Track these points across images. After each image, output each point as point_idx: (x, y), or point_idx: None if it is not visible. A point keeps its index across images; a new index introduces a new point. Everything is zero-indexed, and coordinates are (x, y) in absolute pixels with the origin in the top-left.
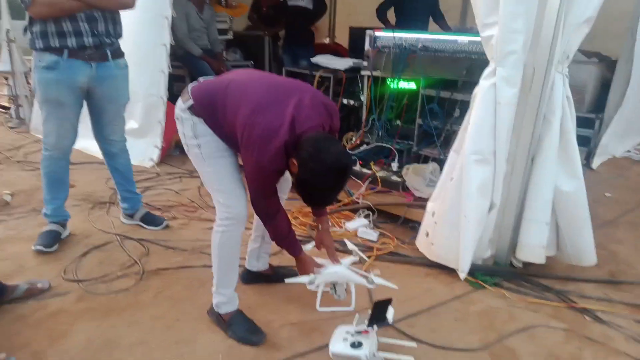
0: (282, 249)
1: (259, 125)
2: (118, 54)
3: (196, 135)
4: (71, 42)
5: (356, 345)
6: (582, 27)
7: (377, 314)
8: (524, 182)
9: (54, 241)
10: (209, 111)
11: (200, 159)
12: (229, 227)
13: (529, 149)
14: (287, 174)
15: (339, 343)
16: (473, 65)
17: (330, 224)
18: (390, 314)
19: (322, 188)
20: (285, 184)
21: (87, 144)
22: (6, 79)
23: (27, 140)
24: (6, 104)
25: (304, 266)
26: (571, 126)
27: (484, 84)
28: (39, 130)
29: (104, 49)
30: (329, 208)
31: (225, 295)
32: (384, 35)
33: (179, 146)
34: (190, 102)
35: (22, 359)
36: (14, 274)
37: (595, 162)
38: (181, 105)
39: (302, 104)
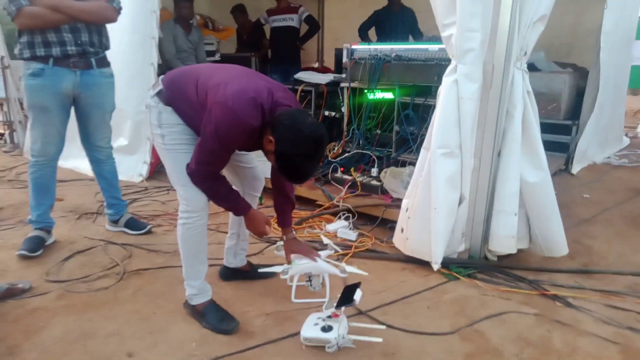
0: (227, 210)
1: (236, 84)
2: (103, 63)
3: (160, 125)
4: (56, 51)
5: (326, 329)
6: (536, 25)
7: (346, 296)
8: (491, 175)
9: (38, 246)
10: (178, 89)
11: (162, 150)
12: (189, 220)
13: (494, 142)
14: (248, 159)
15: (310, 328)
16: (443, 71)
17: (295, 233)
18: (357, 295)
19: (302, 158)
20: (257, 182)
21: (78, 163)
22: (1, 105)
23: (20, 162)
24: (0, 131)
25: (255, 222)
26: (533, 119)
27: (447, 80)
28: None
29: (89, 57)
30: (310, 212)
31: (195, 287)
32: (360, 47)
33: None
34: (159, 87)
35: None
36: None
37: (575, 168)
38: (151, 92)
39: (276, 86)
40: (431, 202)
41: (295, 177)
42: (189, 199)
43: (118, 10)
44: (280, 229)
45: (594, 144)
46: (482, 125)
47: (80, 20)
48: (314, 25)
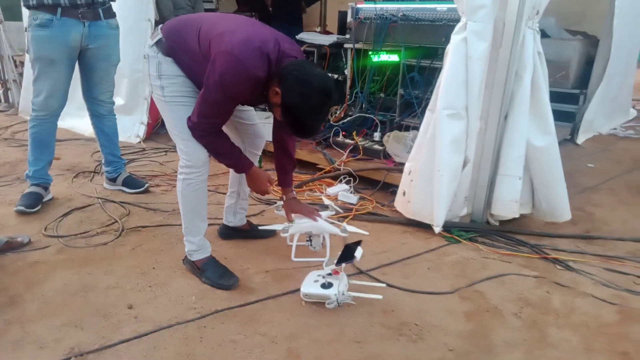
0: (228, 167)
1: (242, 33)
2: (110, 14)
3: (160, 76)
4: (64, 0)
5: (326, 285)
6: None
7: (346, 254)
8: (497, 138)
9: (35, 202)
10: (178, 39)
11: (162, 103)
12: (190, 175)
13: (501, 105)
14: (248, 115)
15: (310, 285)
16: (451, 32)
17: (295, 193)
18: (358, 252)
19: (310, 110)
20: (258, 140)
21: (74, 123)
22: None
23: (15, 122)
24: None
25: (257, 180)
26: (543, 82)
27: (455, 38)
28: (27, 112)
29: (96, 8)
30: (310, 175)
31: (194, 243)
32: (366, 6)
33: None
34: (159, 36)
35: (0, 302)
36: None
37: (580, 138)
38: (149, 42)
39: (282, 36)
40: (435, 164)
41: (301, 131)
42: (190, 154)
43: None
44: (280, 190)
45: (601, 115)
46: (490, 86)
47: None
48: None
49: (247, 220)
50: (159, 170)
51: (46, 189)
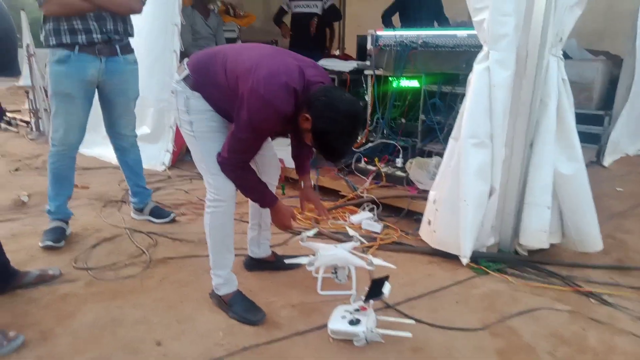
0: (254, 201)
1: (266, 67)
2: (127, 50)
3: (189, 111)
4: (81, 38)
5: (354, 322)
6: (574, 9)
7: (374, 290)
8: (523, 166)
9: (61, 237)
10: (206, 74)
11: (191, 137)
12: (218, 209)
13: (526, 132)
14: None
15: (337, 321)
16: (472, 58)
17: (312, 182)
18: (386, 288)
19: (340, 134)
20: (274, 170)
21: (101, 151)
22: (27, 92)
23: (45, 151)
24: (26, 119)
25: (280, 215)
26: (568, 109)
27: (478, 67)
28: None
29: (113, 44)
30: (333, 203)
31: (222, 277)
32: (385, 34)
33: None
34: (186, 72)
35: (31, 336)
36: (26, 262)
37: (607, 160)
38: (176, 77)
39: (306, 63)
40: (460, 194)
41: (332, 155)
42: (218, 188)
43: (143, 2)
44: (298, 177)
45: (627, 136)
46: (515, 114)
47: (106, 9)
48: (336, 15)
49: (272, 251)
50: (184, 198)
51: (67, 223)
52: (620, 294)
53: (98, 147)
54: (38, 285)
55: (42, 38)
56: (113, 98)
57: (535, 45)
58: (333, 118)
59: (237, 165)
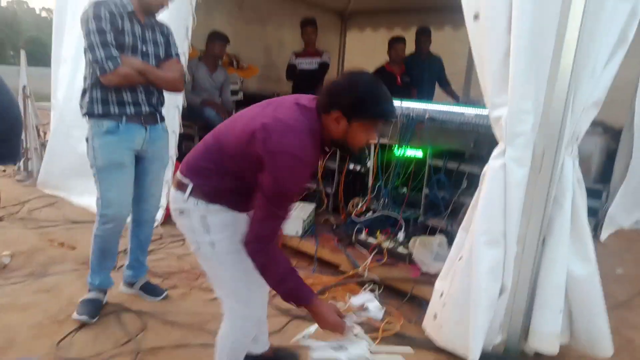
0: (283, 296)
1: (271, 123)
2: (163, 117)
3: (208, 230)
4: (130, 109)
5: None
6: (590, 109)
7: None
8: (535, 263)
9: (97, 311)
10: (209, 173)
11: (213, 261)
12: (243, 330)
13: (540, 230)
14: None
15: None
16: (480, 138)
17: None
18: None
19: (378, 99)
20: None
21: (93, 201)
22: None
23: (32, 195)
24: None
25: (324, 315)
26: (582, 208)
27: (494, 164)
28: (46, 185)
29: (156, 113)
30: (333, 277)
31: None
32: None
33: None
34: (188, 185)
35: None
36: (3, 349)
37: (603, 235)
38: (180, 196)
39: (300, 101)
40: (471, 292)
41: (384, 115)
42: (245, 317)
43: (185, 81)
44: None
45: (622, 209)
46: (528, 211)
47: (156, 86)
48: (324, 67)
49: (270, 345)
50: (177, 265)
51: (105, 292)
52: None
53: (90, 195)
54: None
55: (81, 103)
56: (148, 166)
57: (552, 144)
58: (361, 87)
59: (269, 244)
